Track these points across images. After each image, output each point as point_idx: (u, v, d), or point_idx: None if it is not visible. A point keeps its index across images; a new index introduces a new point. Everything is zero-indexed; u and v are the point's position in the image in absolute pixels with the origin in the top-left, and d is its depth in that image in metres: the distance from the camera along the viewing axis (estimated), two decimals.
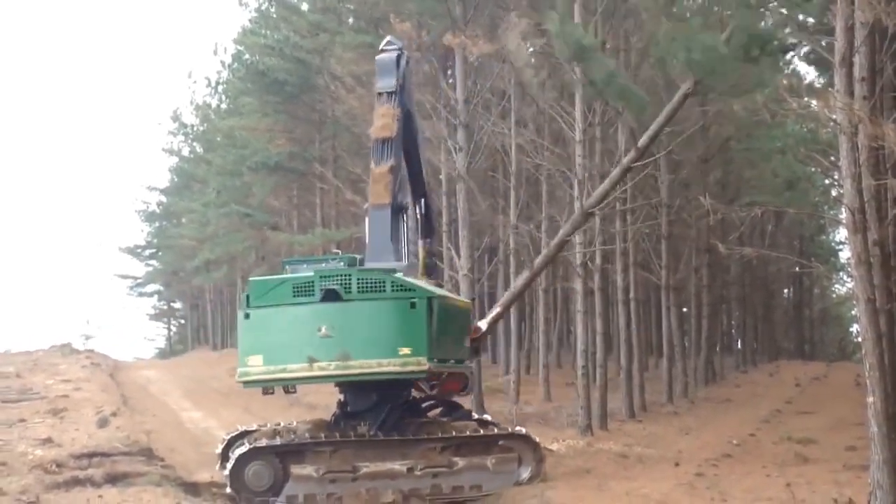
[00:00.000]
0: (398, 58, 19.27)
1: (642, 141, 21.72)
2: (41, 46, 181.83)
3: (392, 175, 18.27)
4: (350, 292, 16.24)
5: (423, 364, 16.09)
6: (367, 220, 18.84)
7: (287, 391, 17.80)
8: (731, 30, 18.70)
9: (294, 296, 16.44)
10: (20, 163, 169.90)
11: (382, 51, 19.72)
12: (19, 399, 27.77)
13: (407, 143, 19.42)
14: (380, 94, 19.21)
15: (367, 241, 18.37)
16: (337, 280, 16.32)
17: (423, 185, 20.51)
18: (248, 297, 16.74)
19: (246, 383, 16.81)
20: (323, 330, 16.19)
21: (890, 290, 14.70)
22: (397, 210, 18.33)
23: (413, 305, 16.10)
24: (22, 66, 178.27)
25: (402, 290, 16.31)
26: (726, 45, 18.36)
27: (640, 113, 21.37)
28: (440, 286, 19.76)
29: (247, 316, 16.64)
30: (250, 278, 17.47)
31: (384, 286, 16.30)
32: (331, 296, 16.23)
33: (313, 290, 16.32)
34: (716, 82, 19.26)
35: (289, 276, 16.97)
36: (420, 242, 20.39)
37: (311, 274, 16.60)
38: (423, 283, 17.68)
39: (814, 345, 66.81)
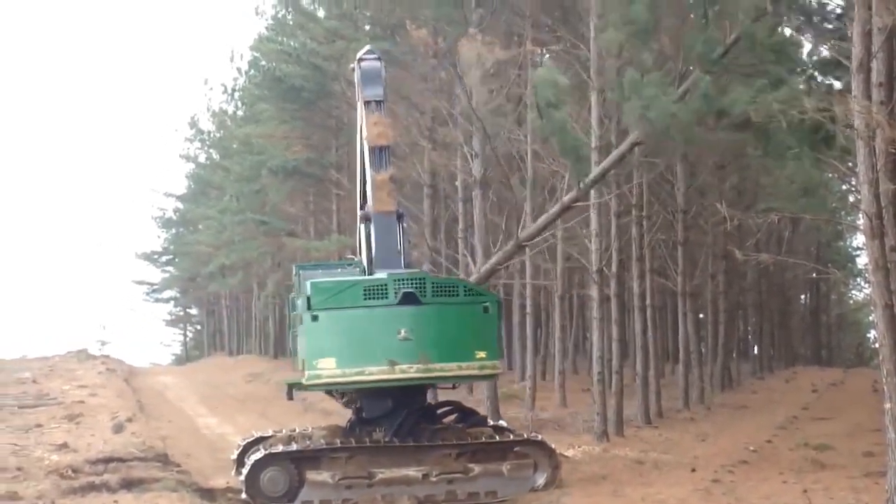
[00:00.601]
0: (382, 67, 19.49)
1: (586, 183, 21.83)
2: (58, 53, 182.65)
3: (392, 182, 18.47)
4: (425, 296, 16.30)
5: (497, 367, 16.62)
6: (362, 227, 18.85)
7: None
8: (685, 88, 18.79)
9: (365, 298, 16.34)
10: (37, 169, 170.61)
11: (361, 59, 19.75)
12: (36, 404, 27.88)
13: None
14: (367, 102, 19.24)
15: (371, 247, 18.29)
16: (411, 283, 16.36)
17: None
18: (309, 299, 16.49)
19: (316, 387, 16.80)
20: (403, 333, 16.20)
21: None
22: (399, 216, 18.38)
23: (486, 310, 16.31)
24: (39, 72, 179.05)
25: (473, 294, 16.63)
26: (680, 105, 18.45)
27: (581, 171, 21.38)
28: None
29: (315, 318, 16.39)
30: (311, 281, 17.12)
31: (457, 291, 16.50)
32: (409, 299, 16.25)
33: (387, 293, 16.28)
34: (666, 140, 19.30)
35: (358, 278, 17.16)
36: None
37: (385, 276, 16.60)
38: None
39: (831, 351, 66.52)
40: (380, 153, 18.63)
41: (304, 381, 16.71)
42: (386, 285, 16.35)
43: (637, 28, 19.57)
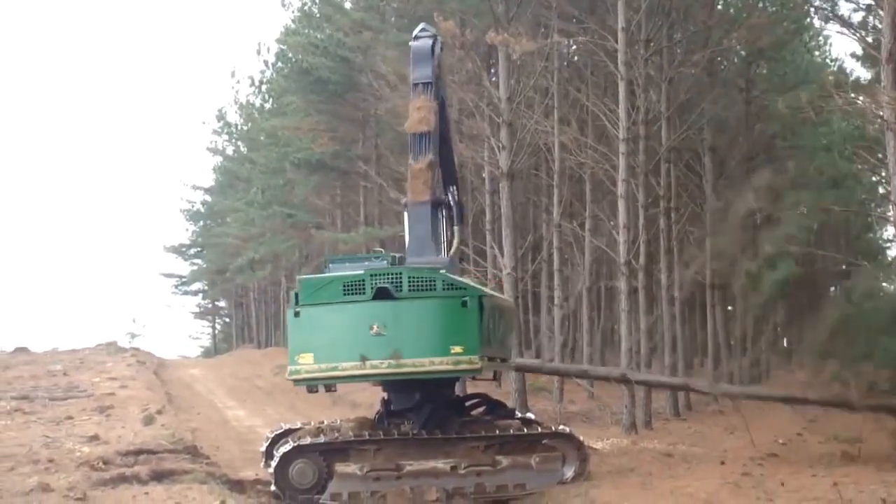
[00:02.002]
0: (433, 45, 18.83)
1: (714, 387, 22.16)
2: (86, 47, 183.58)
3: (431, 171, 18.05)
4: (401, 291, 16.15)
5: (475, 363, 15.99)
6: (405, 216, 18.79)
7: (328, 389, 17.78)
8: None
9: (344, 294, 16.25)
10: (67, 163, 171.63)
11: (417, 38, 19.16)
12: (67, 397, 28.01)
13: (442, 131, 19.14)
14: (415, 84, 18.71)
15: (406, 237, 18.32)
16: (388, 278, 16.22)
17: (455, 173, 20.23)
18: (296, 295, 16.55)
19: (296, 381, 16.72)
20: (375, 328, 16.07)
21: None
22: (436, 205, 18.23)
23: (464, 304, 16.01)
24: (69, 66, 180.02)
25: (452, 288, 16.21)
26: None
27: None
28: (463, 273, 20.00)
29: (296, 314, 16.44)
30: (299, 277, 17.30)
31: (434, 284, 16.23)
32: (383, 294, 16.10)
33: (364, 289, 16.23)
34: None
35: (338, 274, 16.80)
36: (455, 229, 20.05)
37: (362, 272, 16.43)
38: (469, 280, 17.63)
39: None
40: (419, 139, 18.20)
41: (286, 377, 16.79)
42: (363, 281, 16.27)
43: None
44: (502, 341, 17.64)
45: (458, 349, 15.91)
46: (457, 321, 15.98)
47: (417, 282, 16.21)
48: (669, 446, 22.08)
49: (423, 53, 18.84)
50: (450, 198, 19.84)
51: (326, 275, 17.00)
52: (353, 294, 16.22)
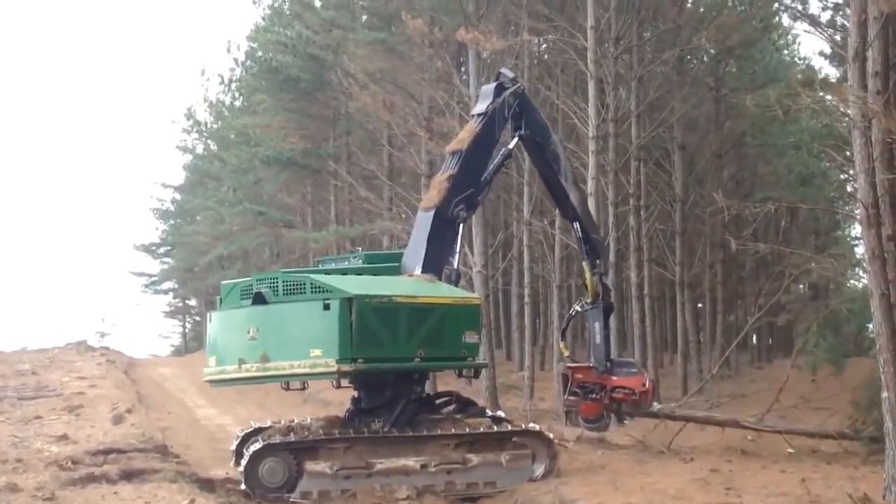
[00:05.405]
0: (498, 87, 19.53)
1: None
2: (54, 44, 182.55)
3: (448, 182, 18.53)
4: (277, 295, 16.45)
5: (331, 366, 15.94)
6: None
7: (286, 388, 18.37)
8: None
9: (241, 299, 16.89)
10: (35, 161, 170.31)
11: (497, 77, 20.15)
12: (35, 396, 27.83)
13: (543, 170, 20.59)
14: (472, 115, 19.82)
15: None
16: (267, 283, 16.62)
17: (572, 208, 20.57)
18: (220, 299, 17.48)
19: (208, 382, 17.80)
20: (251, 332, 16.54)
21: None
22: (443, 217, 18.33)
23: (327, 307, 15.96)
24: (35, 64, 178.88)
25: (319, 291, 16.21)
26: None
27: None
28: (610, 307, 21.12)
29: (210, 318, 17.69)
30: (222, 282, 17.97)
31: (304, 288, 16.35)
32: (258, 299, 16.54)
33: (251, 294, 16.69)
34: None
35: (240, 280, 17.64)
36: (584, 264, 20.87)
37: (250, 279, 17.11)
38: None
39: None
40: (451, 156, 19.04)
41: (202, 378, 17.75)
42: (251, 286, 16.77)
43: None
44: (432, 342, 17.15)
45: (316, 352, 16.00)
46: (318, 324, 16.06)
47: (289, 286, 16.50)
48: (639, 443, 22.16)
49: (487, 92, 19.85)
50: (574, 233, 21.16)
51: (236, 280, 17.85)
52: (245, 299, 16.80)
